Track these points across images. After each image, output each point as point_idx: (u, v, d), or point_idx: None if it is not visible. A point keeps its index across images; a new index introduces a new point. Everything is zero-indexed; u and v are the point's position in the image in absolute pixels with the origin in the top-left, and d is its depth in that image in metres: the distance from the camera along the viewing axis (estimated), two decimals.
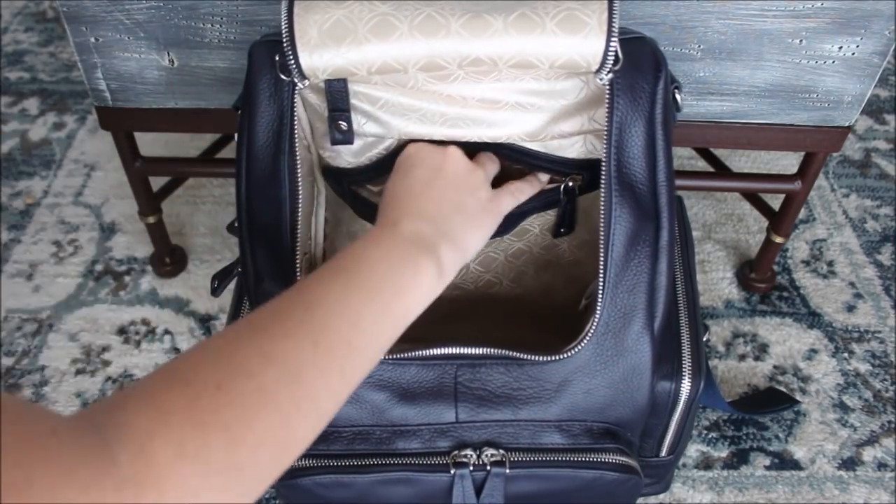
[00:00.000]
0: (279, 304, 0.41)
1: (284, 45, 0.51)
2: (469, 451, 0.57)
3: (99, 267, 1.04)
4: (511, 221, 0.63)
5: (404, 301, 0.46)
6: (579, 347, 0.55)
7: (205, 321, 0.98)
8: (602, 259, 0.55)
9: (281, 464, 0.37)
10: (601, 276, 0.55)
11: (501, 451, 0.57)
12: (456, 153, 0.56)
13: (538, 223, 0.65)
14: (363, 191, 0.64)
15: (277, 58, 0.54)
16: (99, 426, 0.32)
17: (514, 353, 0.56)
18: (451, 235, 0.51)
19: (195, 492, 0.32)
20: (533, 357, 0.56)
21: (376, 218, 0.53)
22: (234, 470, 0.34)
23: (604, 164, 0.55)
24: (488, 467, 0.56)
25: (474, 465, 0.57)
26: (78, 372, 0.92)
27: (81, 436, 0.31)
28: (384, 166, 0.59)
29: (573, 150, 0.60)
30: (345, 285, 0.43)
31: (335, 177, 0.63)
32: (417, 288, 0.47)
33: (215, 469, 0.33)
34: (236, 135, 0.58)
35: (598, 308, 0.55)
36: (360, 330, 0.42)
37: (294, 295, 0.42)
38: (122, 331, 0.97)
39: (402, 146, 0.58)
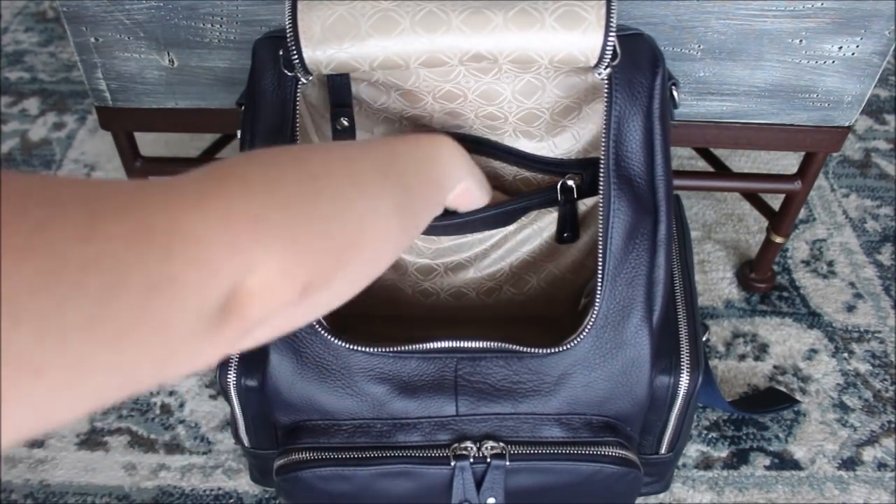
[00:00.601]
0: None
1: (288, 40, 0.52)
2: (469, 444, 0.57)
3: None
4: (510, 215, 0.64)
5: (428, 143, 0.48)
6: (578, 340, 0.56)
7: None
8: (601, 252, 0.55)
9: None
10: (600, 268, 0.55)
11: (501, 444, 0.57)
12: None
13: (544, 232, 0.66)
14: None
15: (281, 53, 0.55)
16: None
17: (514, 347, 0.56)
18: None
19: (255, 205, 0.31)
20: (533, 350, 0.56)
21: None
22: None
23: (602, 157, 0.55)
24: (488, 460, 0.57)
25: (474, 457, 0.57)
26: None
27: None
28: None
29: (570, 150, 0.61)
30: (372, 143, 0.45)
31: None
32: (440, 138, 0.49)
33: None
34: (239, 131, 0.59)
35: (597, 301, 0.55)
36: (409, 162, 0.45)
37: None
38: None
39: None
